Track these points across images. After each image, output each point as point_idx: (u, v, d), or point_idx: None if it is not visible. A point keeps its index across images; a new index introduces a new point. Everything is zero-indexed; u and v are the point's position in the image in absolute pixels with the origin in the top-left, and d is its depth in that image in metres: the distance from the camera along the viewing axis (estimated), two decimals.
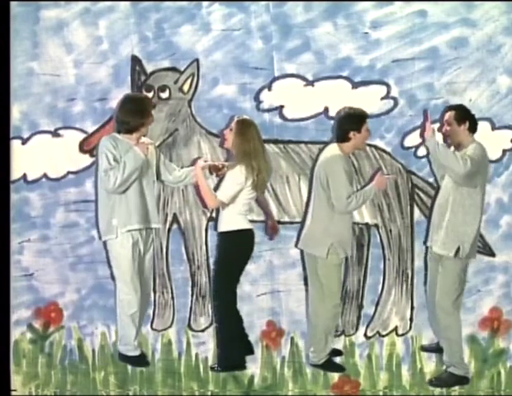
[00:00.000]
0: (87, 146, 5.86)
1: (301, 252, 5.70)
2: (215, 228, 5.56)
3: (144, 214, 5.41)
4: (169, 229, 5.88)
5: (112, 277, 5.65)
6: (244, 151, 5.33)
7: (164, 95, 5.81)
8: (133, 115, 5.33)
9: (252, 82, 5.76)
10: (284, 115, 5.78)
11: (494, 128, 5.69)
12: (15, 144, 5.88)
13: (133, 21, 5.76)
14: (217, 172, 5.55)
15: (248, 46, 5.74)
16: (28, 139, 5.89)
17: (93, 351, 6.00)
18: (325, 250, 5.40)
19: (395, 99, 5.72)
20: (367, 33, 5.69)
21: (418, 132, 5.70)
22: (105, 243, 5.56)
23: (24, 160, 5.89)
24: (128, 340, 5.56)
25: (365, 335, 5.89)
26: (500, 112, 5.69)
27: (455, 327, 5.53)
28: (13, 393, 5.95)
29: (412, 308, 5.84)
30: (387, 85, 5.71)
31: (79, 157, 5.88)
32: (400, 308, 5.85)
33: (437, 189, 5.66)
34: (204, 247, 5.87)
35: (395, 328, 5.87)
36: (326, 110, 5.74)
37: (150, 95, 5.79)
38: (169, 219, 5.88)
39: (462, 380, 5.68)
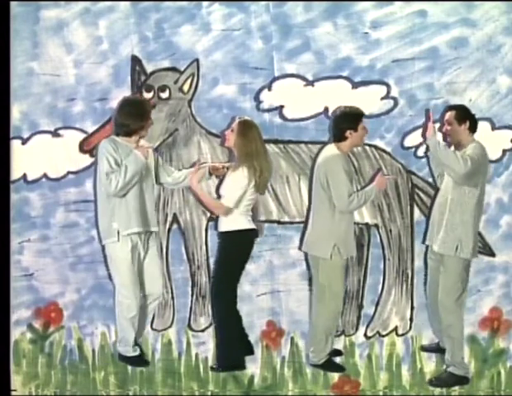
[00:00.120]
0: (87, 146, 5.86)
1: (305, 253, 5.69)
2: (216, 227, 5.55)
3: (144, 218, 5.39)
4: (169, 229, 5.88)
5: (111, 278, 5.64)
6: (247, 152, 5.33)
7: (164, 95, 5.81)
8: (133, 118, 5.31)
9: (252, 82, 5.76)
10: (284, 115, 5.78)
11: (494, 128, 5.69)
12: (15, 144, 5.88)
13: (133, 21, 5.76)
14: (217, 172, 5.56)
15: (248, 46, 5.74)
16: (28, 139, 5.89)
17: (93, 351, 6.00)
18: (329, 251, 5.40)
19: (395, 99, 5.72)
20: (367, 33, 5.69)
21: (418, 132, 5.70)
22: (103, 247, 5.56)
23: (24, 160, 5.89)
24: (127, 342, 5.56)
25: (365, 335, 5.89)
26: (500, 112, 5.69)
27: (457, 326, 5.53)
28: (13, 393, 5.95)
29: (412, 308, 5.84)
30: (387, 85, 5.71)
31: (79, 157, 5.88)
32: (400, 308, 5.85)
33: (437, 189, 5.66)
34: (204, 247, 5.87)
35: (395, 328, 5.87)
36: (326, 110, 5.74)
37: (150, 95, 5.79)
38: (169, 219, 5.87)
39: (462, 380, 5.68)
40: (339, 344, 5.82)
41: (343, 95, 5.71)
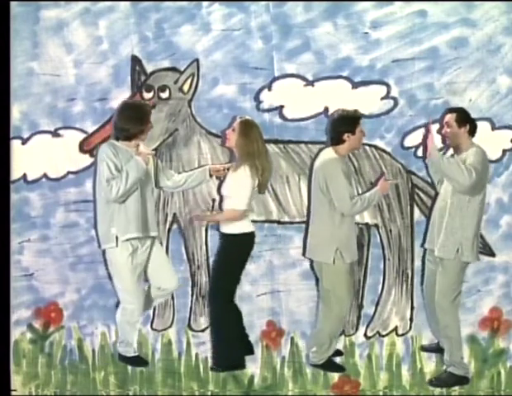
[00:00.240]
0: (87, 146, 5.86)
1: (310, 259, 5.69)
2: (218, 227, 5.55)
3: (144, 223, 5.37)
4: (169, 229, 5.88)
5: (111, 279, 5.64)
6: (248, 151, 5.33)
7: (164, 95, 5.81)
8: (133, 122, 5.29)
9: (252, 82, 5.76)
10: (284, 115, 5.78)
11: (494, 128, 5.68)
12: (15, 144, 5.88)
13: (133, 21, 5.76)
14: (217, 173, 5.57)
15: (248, 46, 5.74)
16: (28, 139, 5.89)
17: (93, 351, 6.00)
18: (331, 256, 5.38)
19: (395, 99, 5.72)
20: (367, 33, 5.69)
21: (418, 132, 5.69)
22: (104, 252, 5.56)
23: (24, 160, 5.89)
24: (129, 343, 5.58)
25: (365, 335, 5.89)
26: (500, 112, 5.69)
27: (454, 326, 5.53)
28: (13, 393, 5.95)
29: (412, 308, 5.84)
30: (387, 85, 5.71)
31: (79, 157, 5.87)
32: (400, 308, 5.85)
33: (437, 192, 5.66)
34: (204, 247, 5.87)
35: (395, 328, 5.87)
36: (326, 110, 5.74)
37: (150, 95, 5.79)
38: (169, 219, 5.88)
39: (462, 380, 5.68)
40: (339, 344, 5.81)
41: (343, 95, 5.71)
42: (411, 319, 5.85)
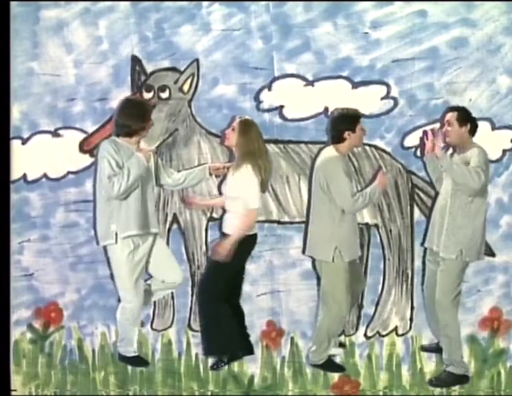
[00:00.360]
0: (87, 146, 5.85)
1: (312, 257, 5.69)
2: (220, 228, 5.54)
3: (144, 220, 5.37)
4: (169, 229, 5.88)
5: (112, 277, 5.64)
6: (249, 151, 5.33)
7: (164, 95, 5.81)
8: (134, 118, 5.30)
9: (252, 82, 5.76)
10: (284, 115, 5.78)
11: (494, 128, 5.68)
12: (15, 144, 5.88)
13: (133, 21, 5.76)
14: (217, 172, 5.57)
15: (248, 46, 5.74)
16: (28, 139, 5.89)
17: (93, 351, 6.00)
18: (330, 254, 5.39)
19: (395, 99, 5.72)
20: (367, 33, 5.69)
21: (418, 132, 5.69)
22: (105, 249, 5.55)
23: (24, 160, 5.89)
24: (129, 342, 5.58)
25: (365, 335, 5.89)
26: (500, 112, 5.69)
27: (454, 325, 5.53)
28: (13, 393, 5.95)
29: (412, 308, 5.84)
30: (387, 85, 5.71)
31: (79, 157, 5.87)
32: (400, 308, 5.86)
33: (436, 192, 5.66)
34: (204, 247, 5.87)
35: (395, 328, 5.87)
36: (326, 110, 5.73)
37: (150, 95, 5.79)
38: (169, 219, 5.88)
39: (462, 379, 5.68)
40: (341, 338, 5.82)
41: (343, 95, 5.71)
42: (411, 319, 5.85)
